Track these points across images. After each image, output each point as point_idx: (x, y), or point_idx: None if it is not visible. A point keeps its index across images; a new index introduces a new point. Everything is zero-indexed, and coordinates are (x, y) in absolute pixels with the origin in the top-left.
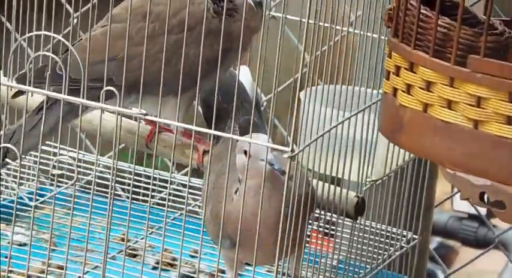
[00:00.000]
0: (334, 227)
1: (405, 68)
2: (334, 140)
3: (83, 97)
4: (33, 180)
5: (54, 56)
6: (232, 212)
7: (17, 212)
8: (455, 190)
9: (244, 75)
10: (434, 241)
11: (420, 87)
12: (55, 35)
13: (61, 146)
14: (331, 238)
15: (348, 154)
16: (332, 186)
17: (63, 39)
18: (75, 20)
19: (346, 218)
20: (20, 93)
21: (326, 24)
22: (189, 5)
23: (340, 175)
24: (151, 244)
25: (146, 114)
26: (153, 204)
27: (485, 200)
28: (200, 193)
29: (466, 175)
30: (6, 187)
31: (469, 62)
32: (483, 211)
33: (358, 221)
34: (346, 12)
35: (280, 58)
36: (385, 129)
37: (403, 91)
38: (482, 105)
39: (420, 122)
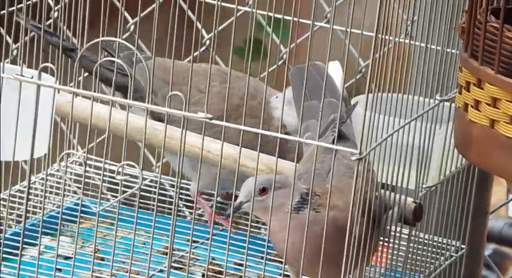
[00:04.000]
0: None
1: (474, 84)
2: (395, 148)
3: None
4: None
5: (120, 61)
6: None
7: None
8: (511, 196)
9: (335, 68)
10: (489, 248)
11: (487, 103)
12: (121, 41)
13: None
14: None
15: (407, 162)
16: (391, 193)
17: (129, 44)
18: (132, 27)
19: (397, 228)
20: None
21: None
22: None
23: (395, 183)
24: (195, 257)
25: (212, 118)
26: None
27: None
28: None
29: None
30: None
31: None
32: None
33: (415, 227)
34: (400, 22)
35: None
36: (458, 143)
37: (472, 107)
38: None
39: (487, 138)
